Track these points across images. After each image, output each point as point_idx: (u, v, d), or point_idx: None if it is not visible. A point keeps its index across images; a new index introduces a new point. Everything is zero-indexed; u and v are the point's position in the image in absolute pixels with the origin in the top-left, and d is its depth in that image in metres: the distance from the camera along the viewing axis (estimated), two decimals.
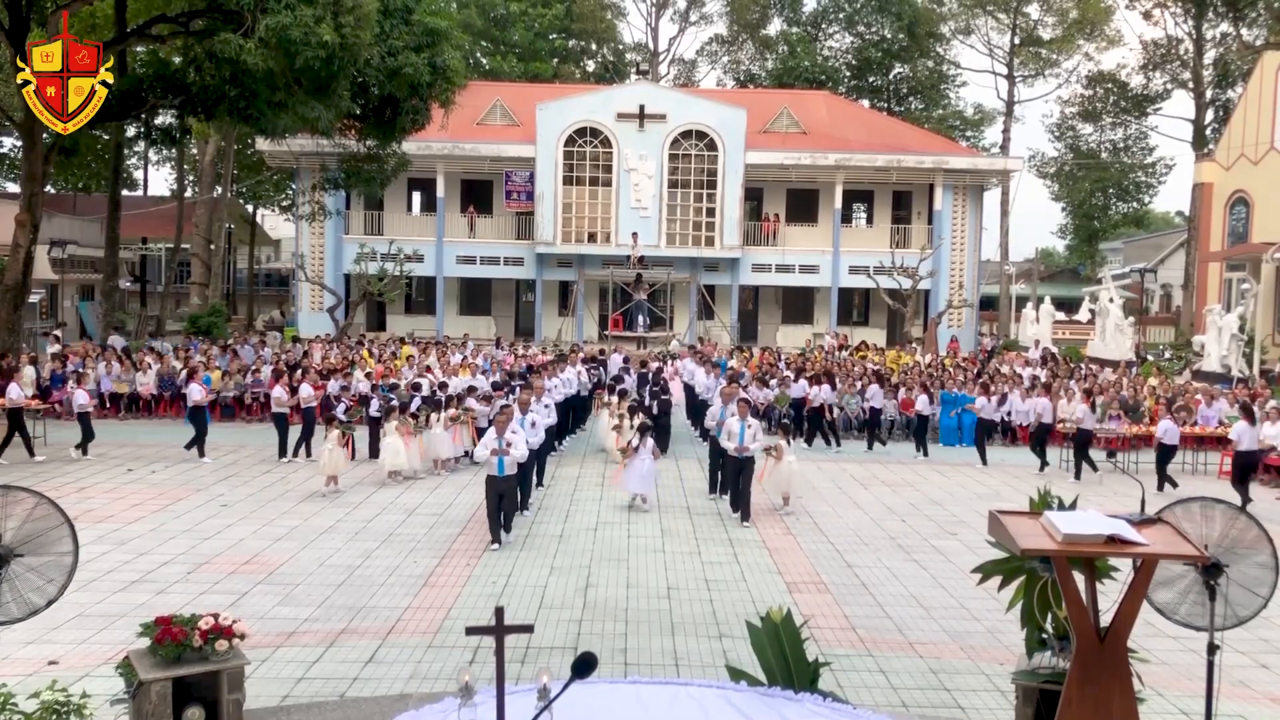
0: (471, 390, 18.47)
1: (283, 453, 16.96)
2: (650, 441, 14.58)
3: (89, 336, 32.54)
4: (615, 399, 18.97)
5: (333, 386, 20.31)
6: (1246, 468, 15.48)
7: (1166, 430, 16.89)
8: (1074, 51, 50.51)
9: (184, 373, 20.19)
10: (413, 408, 16.99)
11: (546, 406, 15.40)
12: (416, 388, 18.80)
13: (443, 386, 18.98)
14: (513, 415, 12.69)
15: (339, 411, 17.32)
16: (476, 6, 51.33)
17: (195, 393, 17.28)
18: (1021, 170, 42.00)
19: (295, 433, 17.21)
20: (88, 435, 16.97)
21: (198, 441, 16.80)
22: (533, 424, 13.56)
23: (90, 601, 9.48)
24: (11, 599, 5.77)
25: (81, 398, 17.51)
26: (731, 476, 13.88)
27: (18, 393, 16.72)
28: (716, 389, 17.73)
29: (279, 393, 17.27)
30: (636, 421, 16.09)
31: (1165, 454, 16.86)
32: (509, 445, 11.77)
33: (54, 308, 35.05)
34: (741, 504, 13.49)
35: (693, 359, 23.47)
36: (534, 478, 14.44)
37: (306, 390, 17.67)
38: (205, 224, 36.73)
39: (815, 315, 40.28)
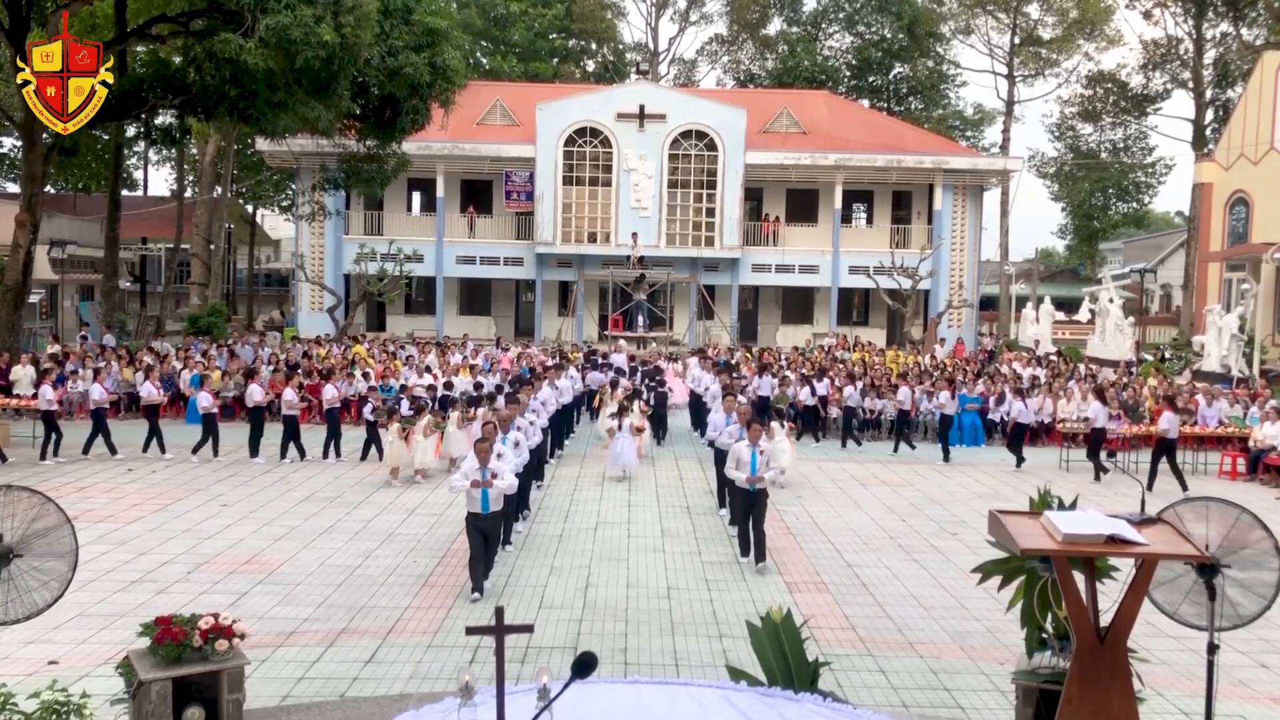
0: (500, 389, 18.47)
1: (284, 454, 16.98)
2: (629, 421, 16.70)
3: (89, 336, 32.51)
4: (614, 390, 19.73)
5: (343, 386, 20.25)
6: (1170, 451, 16.91)
7: (1020, 412, 18.64)
8: (1074, 51, 50.52)
9: (240, 374, 20.38)
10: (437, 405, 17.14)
11: (532, 424, 13.50)
12: (450, 386, 18.96)
13: (477, 386, 19.13)
14: (495, 436, 10.94)
15: (368, 411, 17.37)
16: (476, 6, 51.33)
17: (255, 393, 17.32)
18: (1021, 170, 42.03)
19: (296, 434, 17.24)
20: (209, 437, 17.06)
21: (253, 440, 17.05)
22: (515, 444, 11.61)
23: (90, 601, 9.48)
24: (12, 599, 5.77)
25: (205, 399, 17.34)
26: (740, 512, 11.62)
27: None
28: (720, 394, 16.28)
29: (289, 395, 17.32)
30: (631, 417, 17.28)
31: (1019, 433, 18.64)
32: (494, 475, 10.00)
33: (54, 308, 35.04)
34: (755, 545, 11.31)
35: (700, 364, 22.75)
36: (518, 509, 12.46)
37: (330, 392, 17.66)
38: (205, 224, 36.72)
39: (815, 315, 40.30)
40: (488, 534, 10.08)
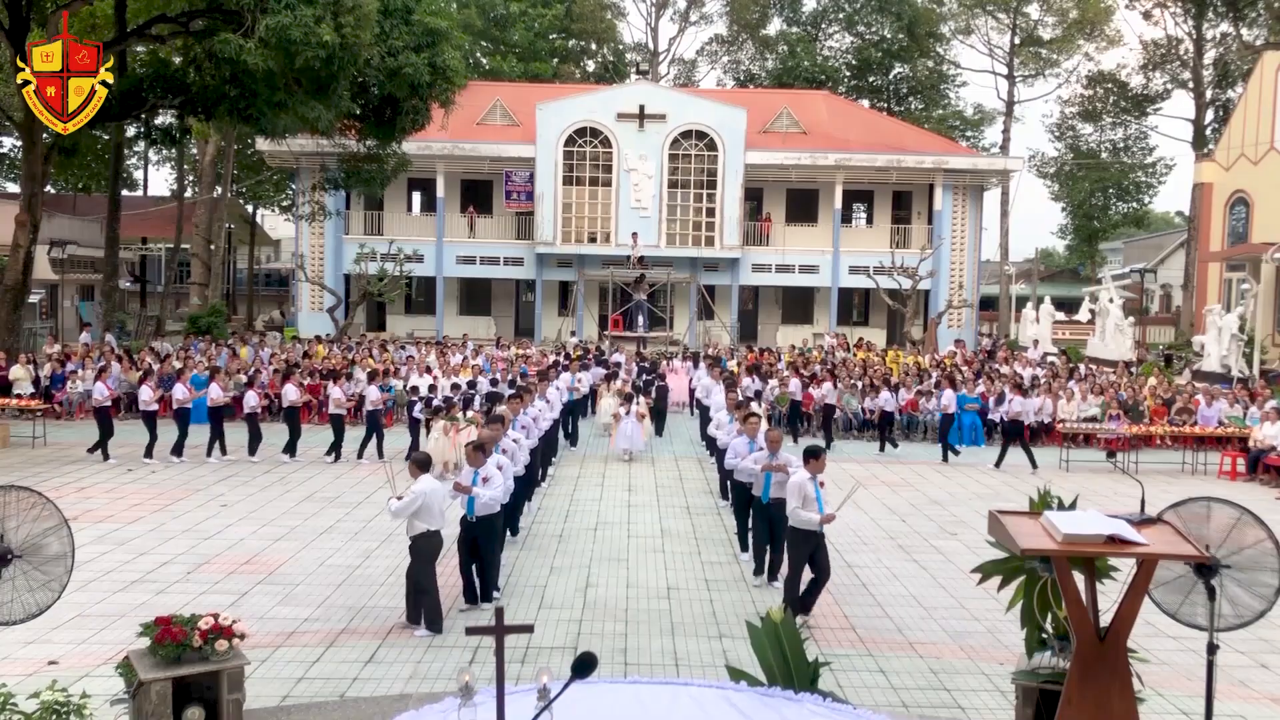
0: (513, 385, 18.53)
1: (335, 453, 16.88)
2: (635, 406, 18.16)
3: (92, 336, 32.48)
4: (612, 383, 20.95)
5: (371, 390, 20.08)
6: (1019, 433, 18.62)
7: (886, 399, 19.98)
8: (1074, 51, 50.50)
9: (279, 375, 20.24)
10: (476, 405, 17.21)
11: (518, 443, 11.72)
12: (473, 385, 19.11)
13: (511, 384, 19.39)
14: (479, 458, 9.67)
15: (417, 410, 17.42)
16: (476, 6, 51.33)
17: (291, 393, 17.31)
18: (1021, 170, 42.01)
19: (341, 434, 17.21)
20: (256, 437, 16.92)
21: (292, 442, 16.95)
22: (500, 467, 9.91)
23: (90, 601, 9.48)
24: (11, 600, 5.77)
25: (252, 399, 17.15)
26: (797, 555, 9.28)
27: None
28: (725, 409, 14.41)
29: (337, 394, 17.37)
30: (635, 405, 18.61)
31: (887, 420, 19.96)
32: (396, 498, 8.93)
33: (54, 308, 35.05)
34: (809, 597, 9.31)
35: (708, 370, 22.15)
36: (497, 544, 10.21)
37: (374, 393, 17.69)
38: (205, 224, 36.73)
39: (815, 315, 40.30)
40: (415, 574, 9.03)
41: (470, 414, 16.22)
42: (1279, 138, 34.83)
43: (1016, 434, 18.46)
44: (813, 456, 9.35)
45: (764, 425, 12.27)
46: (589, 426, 21.34)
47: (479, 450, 9.65)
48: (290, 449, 16.94)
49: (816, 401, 20.99)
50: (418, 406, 17.58)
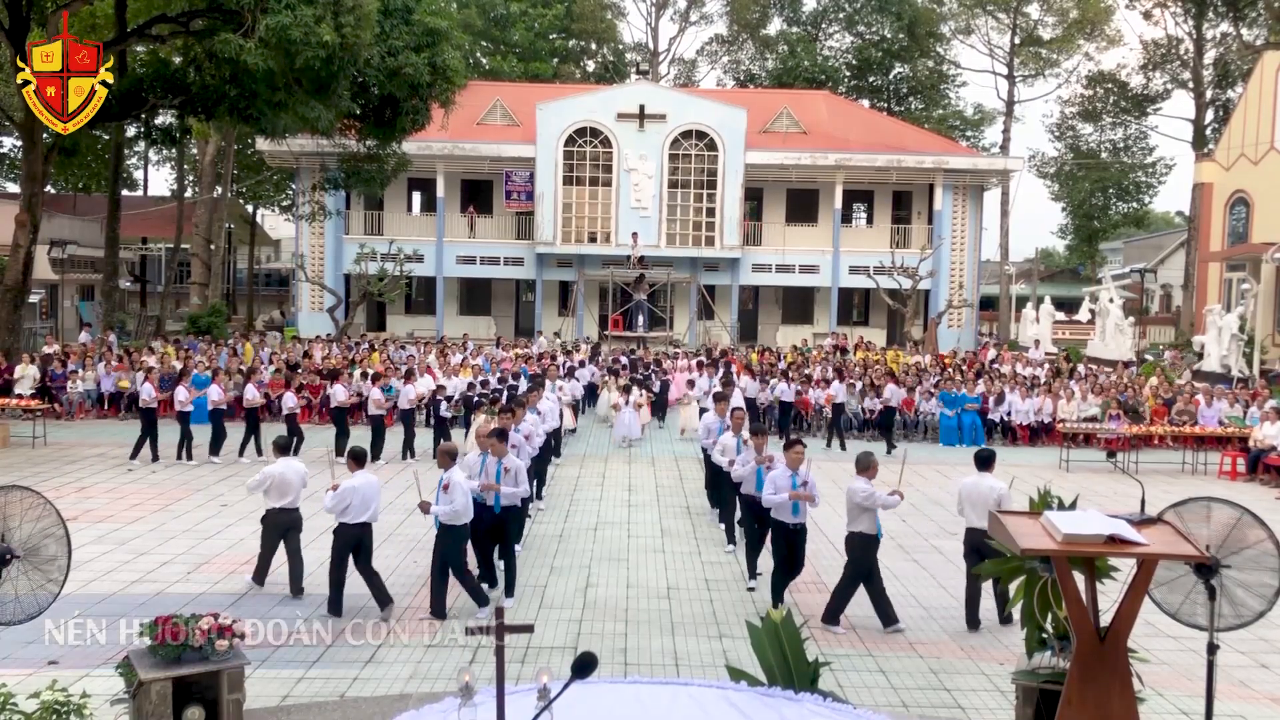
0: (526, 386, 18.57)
1: (375, 455, 16.56)
2: (633, 396, 19.46)
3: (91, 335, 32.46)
4: (614, 379, 21.76)
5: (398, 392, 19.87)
6: (891, 416, 20.33)
7: (743, 386, 20.18)
8: (1074, 51, 50.47)
9: (328, 374, 20.13)
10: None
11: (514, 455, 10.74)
12: (503, 381, 19.27)
13: (510, 377, 19.66)
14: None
15: (443, 410, 17.55)
16: (476, 6, 51.32)
17: (339, 394, 17.26)
18: (1021, 170, 42.01)
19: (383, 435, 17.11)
20: (295, 438, 16.74)
21: (339, 441, 16.70)
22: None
23: (90, 601, 9.45)
24: (12, 599, 5.78)
25: (290, 400, 17.05)
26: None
27: None
28: (732, 430, 12.17)
29: (377, 394, 17.31)
30: (634, 395, 19.75)
31: (777, 411, 20.50)
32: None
33: (54, 308, 35.04)
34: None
35: (700, 369, 22.05)
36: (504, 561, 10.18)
37: (410, 393, 17.67)
38: (205, 224, 36.72)
39: (815, 315, 40.29)
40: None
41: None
42: (1279, 138, 34.83)
43: (887, 422, 20.13)
44: (989, 460, 9.65)
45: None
46: (586, 423, 21.41)
47: (502, 439, 10.31)
48: (339, 450, 16.83)
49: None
50: (443, 406, 17.62)
